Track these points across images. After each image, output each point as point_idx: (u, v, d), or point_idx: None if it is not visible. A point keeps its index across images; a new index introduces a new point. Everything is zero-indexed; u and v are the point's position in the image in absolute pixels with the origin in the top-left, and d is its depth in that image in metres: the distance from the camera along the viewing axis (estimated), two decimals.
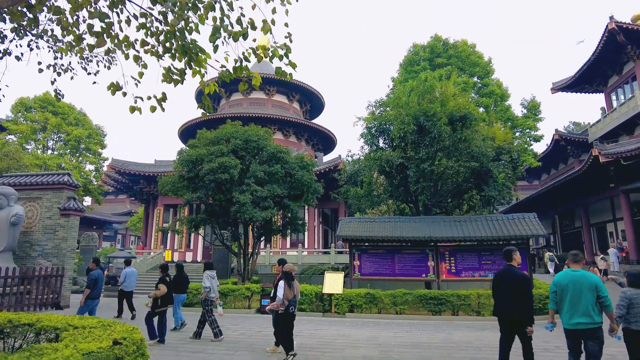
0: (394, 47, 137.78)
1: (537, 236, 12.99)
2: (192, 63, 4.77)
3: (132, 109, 4.97)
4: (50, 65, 5.87)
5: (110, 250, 25.17)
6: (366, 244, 14.13)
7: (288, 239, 28.67)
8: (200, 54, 4.74)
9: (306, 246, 28.21)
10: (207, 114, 37.19)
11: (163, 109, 5.07)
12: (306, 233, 28.20)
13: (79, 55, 5.70)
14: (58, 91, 5.97)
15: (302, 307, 12.97)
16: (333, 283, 13.06)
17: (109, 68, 6.14)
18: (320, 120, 39.17)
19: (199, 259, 29.01)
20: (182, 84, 5.02)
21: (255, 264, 17.83)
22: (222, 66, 4.73)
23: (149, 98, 4.90)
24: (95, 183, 37.37)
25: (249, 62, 4.83)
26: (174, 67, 4.88)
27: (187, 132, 34.66)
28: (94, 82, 6.18)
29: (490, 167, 14.03)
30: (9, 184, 14.33)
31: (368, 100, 21.72)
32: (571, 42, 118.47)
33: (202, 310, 8.92)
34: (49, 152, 34.43)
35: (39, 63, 5.81)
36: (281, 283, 7.07)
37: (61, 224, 14.00)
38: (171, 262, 27.00)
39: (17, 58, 5.82)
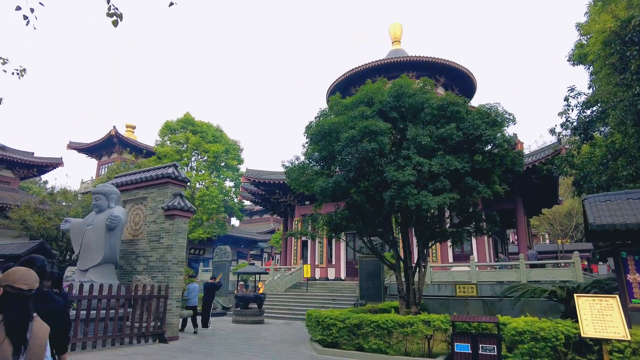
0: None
1: None
2: None
3: None
4: None
5: (241, 266, 22.38)
6: None
7: (450, 248, 22.32)
8: None
9: (475, 259, 21.26)
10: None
11: None
12: (473, 241, 21.54)
13: None
14: (115, 9, 4.94)
15: None
16: (599, 317, 6.67)
17: None
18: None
19: (342, 275, 24.53)
20: None
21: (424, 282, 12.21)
22: None
23: None
24: (236, 200, 36.80)
25: None
26: None
27: None
28: (171, 4, 5.32)
29: None
30: (115, 184, 11.82)
31: None
32: None
33: None
34: (194, 172, 34.81)
35: None
36: None
37: (166, 229, 10.70)
38: (312, 279, 23.10)
39: None
